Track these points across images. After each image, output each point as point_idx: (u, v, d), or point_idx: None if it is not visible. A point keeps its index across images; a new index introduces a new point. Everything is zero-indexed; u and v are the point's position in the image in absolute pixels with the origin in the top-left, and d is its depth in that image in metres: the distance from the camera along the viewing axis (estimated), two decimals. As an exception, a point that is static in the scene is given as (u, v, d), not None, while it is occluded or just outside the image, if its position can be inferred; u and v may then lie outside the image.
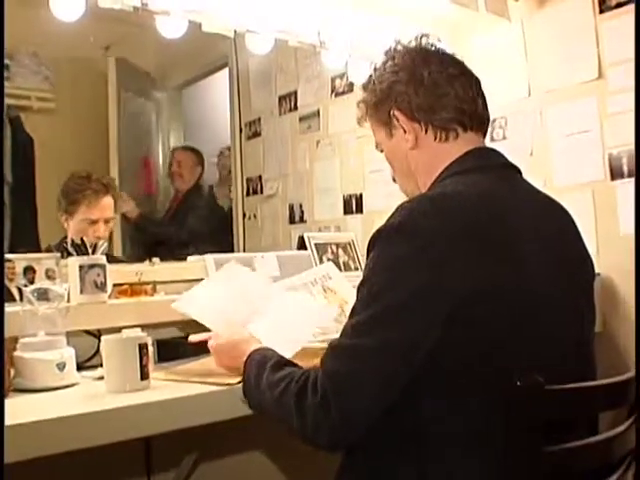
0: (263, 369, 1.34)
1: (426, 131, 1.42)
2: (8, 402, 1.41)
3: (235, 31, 2.31)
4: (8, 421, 1.17)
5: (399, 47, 1.50)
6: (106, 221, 2.75)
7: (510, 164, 1.43)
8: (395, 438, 1.23)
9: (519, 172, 1.44)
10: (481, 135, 1.45)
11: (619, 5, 2.49)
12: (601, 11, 2.55)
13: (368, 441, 1.24)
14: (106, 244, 1.93)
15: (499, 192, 1.32)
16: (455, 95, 1.40)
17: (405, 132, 1.44)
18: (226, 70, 4.03)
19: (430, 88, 1.40)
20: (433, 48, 1.48)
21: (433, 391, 1.20)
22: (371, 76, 1.52)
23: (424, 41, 1.49)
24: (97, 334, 1.79)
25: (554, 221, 1.41)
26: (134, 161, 4.06)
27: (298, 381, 1.23)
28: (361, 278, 1.25)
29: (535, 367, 1.12)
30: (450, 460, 1.19)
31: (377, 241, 1.25)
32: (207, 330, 1.67)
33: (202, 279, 2.18)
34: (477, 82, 1.46)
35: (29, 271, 1.82)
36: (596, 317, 1.42)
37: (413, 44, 1.49)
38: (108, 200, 2.76)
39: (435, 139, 1.41)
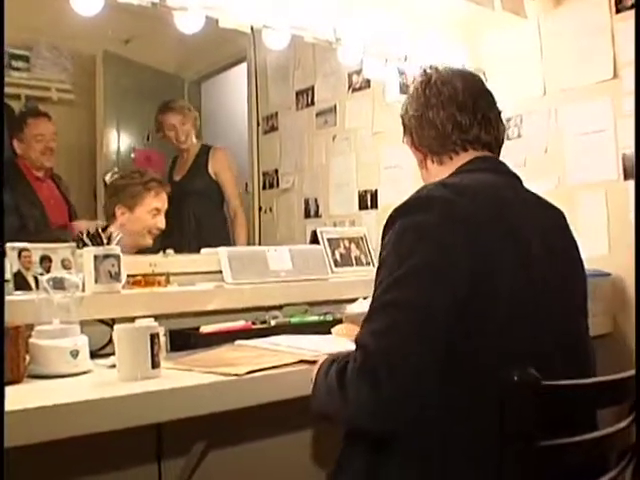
0: (323, 374, 1.36)
1: (426, 157, 1.58)
2: (22, 387, 1.45)
3: (252, 27, 2.33)
4: (22, 405, 1.20)
5: (417, 80, 1.60)
6: (165, 214, 2.85)
7: (513, 172, 1.53)
8: (393, 437, 1.26)
9: (520, 180, 1.54)
10: (485, 151, 1.53)
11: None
12: (617, 11, 2.55)
13: (367, 443, 1.29)
14: (121, 234, 1.96)
15: (505, 189, 1.43)
16: (450, 131, 1.51)
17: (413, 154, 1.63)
18: (244, 65, 4.05)
19: (428, 125, 1.53)
20: (457, 84, 1.53)
21: (435, 398, 1.21)
22: (408, 94, 1.64)
23: (435, 75, 1.57)
24: (111, 323, 1.82)
25: (552, 221, 1.49)
26: (138, 155, 4.10)
27: (340, 362, 1.27)
28: (384, 249, 1.32)
29: (533, 362, 1.15)
30: (448, 458, 1.22)
31: (394, 219, 1.33)
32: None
33: (215, 271, 2.22)
34: (480, 106, 1.53)
35: (45, 260, 1.85)
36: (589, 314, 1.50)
37: (442, 77, 1.55)
38: (166, 195, 2.87)
39: (434, 164, 1.56)
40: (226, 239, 3.61)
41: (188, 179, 3.71)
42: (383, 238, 1.34)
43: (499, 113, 1.57)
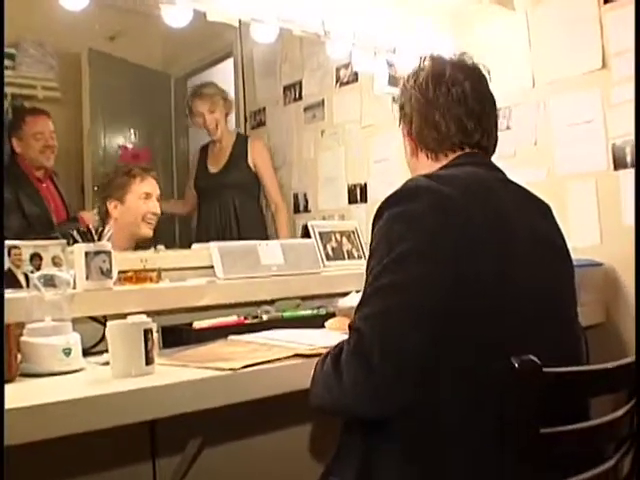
0: (319, 366, 1.38)
1: (420, 150, 1.57)
2: (15, 386, 1.43)
3: (240, 20, 2.32)
4: (14, 404, 1.19)
5: (427, 65, 1.57)
6: (157, 199, 2.84)
7: (499, 168, 1.54)
8: (391, 425, 1.26)
9: (505, 175, 1.54)
10: (475, 150, 1.54)
11: (623, -5, 2.49)
12: (605, 1, 2.54)
13: (365, 429, 1.30)
14: (112, 231, 1.94)
15: (492, 181, 1.46)
16: (453, 134, 1.51)
17: (406, 141, 1.62)
18: (231, 60, 4.04)
19: (431, 126, 1.52)
20: (467, 87, 1.52)
21: (427, 382, 1.22)
22: (403, 79, 1.62)
23: (448, 70, 1.54)
24: (102, 320, 1.80)
25: (538, 212, 1.51)
26: (125, 152, 4.10)
27: (335, 350, 1.30)
28: (374, 239, 1.34)
29: (521, 349, 1.17)
30: (446, 446, 1.22)
31: (381, 211, 1.35)
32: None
33: (206, 267, 2.21)
34: (485, 112, 1.53)
35: (35, 258, 1.84)
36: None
37: (453, 76, 1.53)
38: (153, 180, 2.86)
39: (427, 159, 1.56)
40: (263, 233, 3.55)
41: (227, 171, 3.64)
42: (373, 229, 1.36)
43: (497, 117, 1.58)
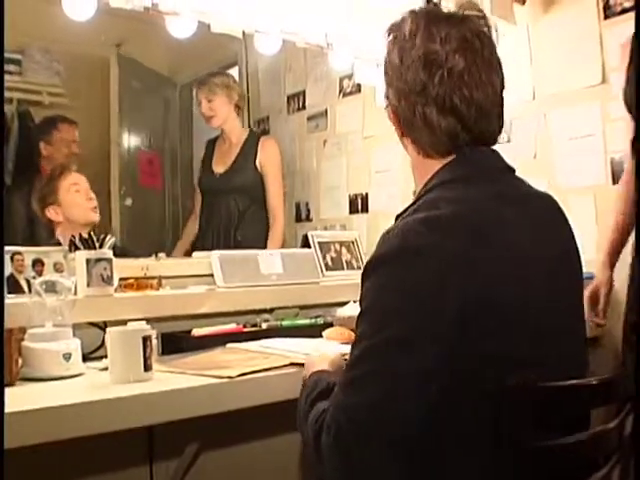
0: (312, 391, 1.33)
1: (410, 141, 1.34)
2: (15, 390, 1.45)
3: (243, 32, 2.34)
4: (14, 408, 1.21)
5: (416, 37, 1.29)
6: (87, 185, 2.83)
7: (501, 167, 1.34)
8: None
9: (512, 171, 1.36)
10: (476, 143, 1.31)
11: (624, 11, 2.51)
12: (606, 17, 2.57)
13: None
14: (113, 239, 1.96)
15: (500, 212, 1.25)
16: (449, 135, 1.27)
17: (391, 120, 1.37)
18: (236, 69, 4.07)
19: (423, 122, 1.28)
20: (454, 53, 1.26)
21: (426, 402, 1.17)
22: (388, 44, 1.37)
23: (440, 47, 1.26)
24: (103, 326, 1.82)
25: (551, 229, 1.35)
26: (142, 157, 4.13)
27: (318, 420, 1.21)
28: (363, 307, 1.21)
29: (530, 366, 1.16)
30: (443, 466, 1.20)
31: (376, 267, 1.20)
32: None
33: (207, 275, 2.23)
34: (489, 99, 1.31)
35: (37, 264, 1.86)
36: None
37: (433, 43, 1.26)
38: (75, 173, 2.87)
39: (418, 154, 1.33)
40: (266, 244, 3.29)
41: (233, 173, 3.36)
42: (362, 284, 1.22)
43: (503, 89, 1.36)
